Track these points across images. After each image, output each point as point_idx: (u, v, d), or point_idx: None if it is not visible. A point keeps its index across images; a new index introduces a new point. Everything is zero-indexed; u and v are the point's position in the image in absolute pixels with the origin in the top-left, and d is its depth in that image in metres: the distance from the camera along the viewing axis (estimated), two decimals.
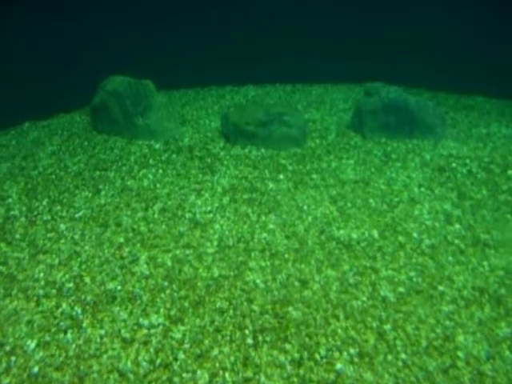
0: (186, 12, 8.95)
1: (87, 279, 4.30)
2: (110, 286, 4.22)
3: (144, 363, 3.47)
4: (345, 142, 7.04)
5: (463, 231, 5.05)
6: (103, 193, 5.66)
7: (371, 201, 5.52)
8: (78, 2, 7.88)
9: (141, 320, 3.85)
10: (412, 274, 4.38)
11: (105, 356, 3.54)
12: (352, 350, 3.57)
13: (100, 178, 6.01)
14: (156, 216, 5.21)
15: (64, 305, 4.00)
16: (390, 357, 3.52)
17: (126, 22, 8.49)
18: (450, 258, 4.61)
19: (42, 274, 4.34)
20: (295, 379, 3.34)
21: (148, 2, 8.68)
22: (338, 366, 3.43)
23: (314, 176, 6.03)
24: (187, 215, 5.21)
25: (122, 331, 3.75)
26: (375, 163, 6.43)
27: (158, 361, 3.49)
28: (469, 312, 3.95)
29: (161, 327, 3.79)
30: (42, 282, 4.25)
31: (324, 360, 3.48)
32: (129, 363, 3.47)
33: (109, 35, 8.28)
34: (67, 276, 4.33)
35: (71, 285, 4.22)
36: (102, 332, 3.75)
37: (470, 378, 3.35)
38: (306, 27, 9.23)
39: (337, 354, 3.53)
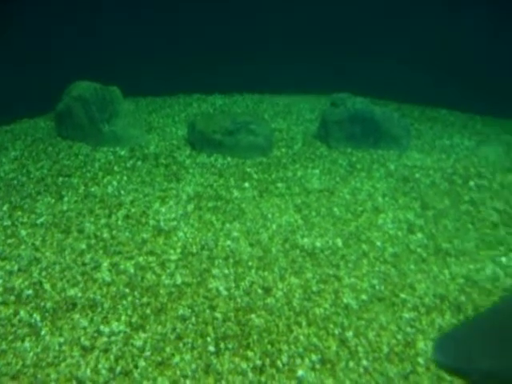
0: (155, 20, 8.92)
1: (47, 286, 4.21)
2: (71, 292, 4.14)
3: (104, 371, 3.41)
4: (311, 152, 7.10)
5: (425, 240, 5.14)
6: (66, 199, 5.57)
7: (336, 210, 5.56)
8: (42, 6, 7.78)
9: (101, 327, 3.79)
10: (375, 281, 4.42)
11: (63, 364, 3.47)
12: (314, 357, 3.57)
13: (63, 184, 5.91)
14: (119, 223, 5.15)
15: (22, 312, 3.91)
16: (351, 363, 3.54)
17: (93, 27, 8.42)
18: (412, 267, 4.68)
19: (0, 281, 4.24)
20: None
21: (115, 9, 8.61)
22: (300, 372, 3.44)
23: (280, 185, 6.05)
24: (151, 222, 5.16)
25: (82, 339, 3.68)
26: (340, 173, 6.50)
27: (118, 368, 3.44)
28: (429, 319, 4.00)
29: (122, 334, 3.73)
30: (0, 289, 4.15)
31: (286, 367, 3.48)
32: (88, 371, 3.41)
33: (76, 40, 8.20)
34: (26, 283, 4.23)
35: (30, 292, 4.13)
36: (61, 340, 3.67)
37: (429, 383, 3.38)
38: (275, 37, 9.29)
39: (299, 361, 3.53)
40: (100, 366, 3.46)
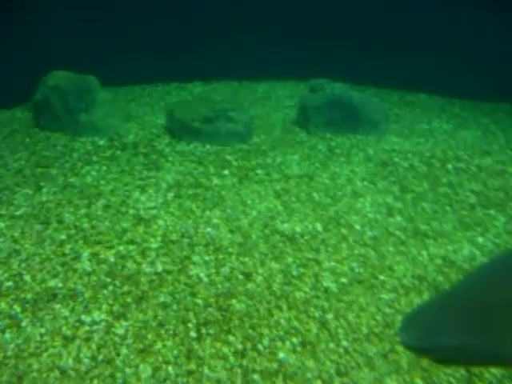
0: (131, 8, 8.82)
1: (27, 277, 4.19)
2: (51, 283, 4.13)
3: (86, 360, 3.42)
4: (290, 138, 7.12)
5: (404, 223, 5.20)
6: (45, 190, 5.53)
7: (315, 195, 5.60)
8: None
9: (83, 317, 3.79)
10: (354, 264, 4.48)
11: (45, 354, 3.47)
12: (295, 340, 3.62)
13: (42, 175, 5.86)
14: (99, 213, 5.14)
15: (3, 304, 3.89)
16: (331, 344, 3.59)
17: (70, 16, 8.30)
18: (391, 249, 4.74)
19: None
20: (238, 370, 3.36)
21: None
22: (281, 355, 3.48)
23: (259, 171, 6.07)
24: (131, 211, 5.16)
25: (63, 329, 3.68)
26: (320, 158, 6.53)
27: (101, 357, 3.45)
28: (408, 299, 4.07)
29: (103, 323, 3.74)
30: None
31: (267, 350, 3.52)
32: (70, 360, 3.41)
33: (52, 29, 8.09)
34: (6, 275, 4.21)
35: (10, 283, 4.11)
36: (43, 330, 3.66)
37: (408, 361, 3.46)
38: (253, 24, 9.25)
39: (280, 344, 3.57)
40: (82, 355, 3.46)
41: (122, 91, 8.89)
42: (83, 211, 5.15)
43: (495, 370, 3.35)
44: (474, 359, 2.09)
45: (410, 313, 2.22)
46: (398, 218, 5.26)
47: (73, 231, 4.82)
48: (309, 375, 3.33)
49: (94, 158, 6.28)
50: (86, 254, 4.50)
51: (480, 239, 4.97)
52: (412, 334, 2.01)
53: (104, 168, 6.05)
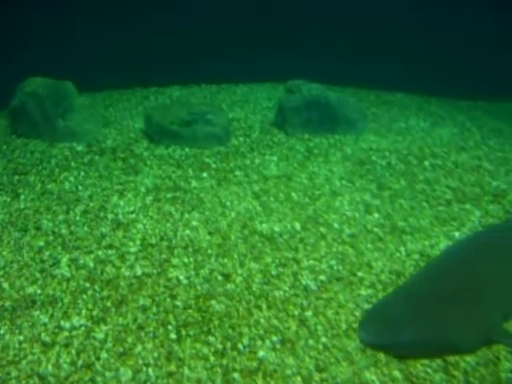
0: (108, 12, 8.80)
1: (5, 285, 4.17)
2: (30, 290, 4.11)
3: (65, 365, 3.41)
4: (268, 139, 7.16)
5: (382, 220, 5.26)
6: (22, 197, 5.50)
7: (293, 195, 5.64)
8: None
9: (62, 323, 3.78)
10: (333, 262, 4.51)
11: (24, 361, 3.45)
12: (274, 338, 3.64)
13: (19, 182, 5.83)
14: (78, 218, 5.12)
15: None
16: (311, 341, 3.62)
17: (47, 21, 8.27)
18: (369, 246, 4.79)
19: None
20: (218, 369, 3.38)
21: (69, 4, 8.48)
22: (261, 353, 3.50)
23: (238, 173, 6.10)
24: (110, 216, 5.15)
25: (42, 335, 3.66)
26: (298, 159, 6.58)
27: (80, 362, 3.44)
28: (386, 295, 4.11)
29: (83, 328, 3.73)
30: None
31: (247, 349, 3.55)
32: (49, 367, 3.40)
33: (28, 36, 8.05)
34: None
35: None
36: (21, 337, 3.65)
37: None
38: (230, 27, 9.29)
39: (259, 343, 3.60)
40: (61, 360, 3.45)
41: (99, 96, 8.86)
42: (61, 217, 5.13)
43: (470, 358, 3.40)
44: (432, 352, 2.16)
45: (368, 310, 2.27)
46: (376, 215, 5.32)
47: (51, 237, 4.80)
48: (288, 372, 3.35)
49: (72, 164, 6.26)
50: (64, 259, 4.49)
51: (456, 234, 5.03)
52: (371, 331, 2.06)
53: (82, 173, 6.03)
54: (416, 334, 2.02)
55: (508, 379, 3.05)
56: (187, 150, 6.68)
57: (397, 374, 3.32)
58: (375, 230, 5.06)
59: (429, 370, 3.35)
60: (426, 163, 6.67)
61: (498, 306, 2.24)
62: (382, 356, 3.46)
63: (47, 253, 4.57)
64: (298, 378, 3.31)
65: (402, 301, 2.21)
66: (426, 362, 3.39)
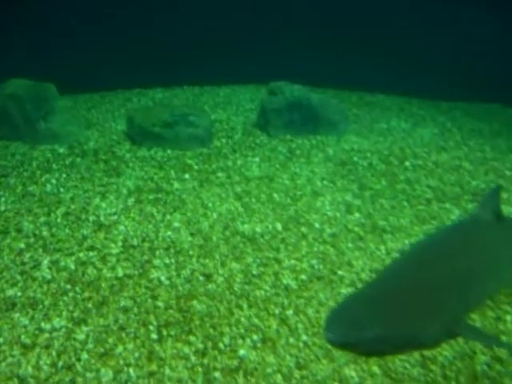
0: (90, 14, 8.77)
1: None
2: (10, 292, 4.09)
3: (45, 367, 3.41)
4: (251, 141, 7.19)
5: (363, 219, 5.31)
6: (3, 199, 5.47)
7: (275, 195, 5.67)
8: None
9: (42, 324, 3.77)
10: (314, 261, 4.55)
11: (3, 364, 3.44)
12: (255, 337, 3.67)
13: (0, 184, 5.79)
14: (59, 220, 5.11)
15: None
16: (291, 339, 3.65)
17: (28, 24, 8.23)
18: (350, 245, 4.84)
19: None
20: (199, 368, 3.40)
21: (50, 4, 8.44)
22: (242, 352, 3.53)
23: (220, 174, 6.12)
24: (91, 218, 5.14)
25: (23, 337, 3.65)
26: (280, 160, 6.62)
27: (61, 363, 3.44)
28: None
29: (63, 330, 3.73)
30: None
31: (228, 348, 3.57)
32: (29, 368, 3.39)
33: (9, 37, 8.00)
34: None
35: None
36: (1, 340, 3.63)
37: None
38: (213, 29, 9.30)
39: (240, 342, 3.62)
40: (42, 362, 3.45)
41: (81, 98, 8.83)
42: (43, 219, 5.11)
43: (447, 353, 3.46)
44: (397, 347, 2.20)
45: (333, 309, 2.29)
46: (357, 215, 5.37)
47: (32, 240, 4.78)
48: (269, 370, 3.38)
49: (54, 166, 6.24)
50: (45, 261, 4.47)
51: None
52: (336, 330, 2.07)
53: (64, 176, 6.01)
54: (381, 330, 2.05)
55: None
56: (169, 151, 6.69)
57: (376, 369, 3.37)
58: (356, 229, 5.11)
59: (407, 365, 3.40)
60: (407, 163, 6.75)
61: (460, 299, 2.30)
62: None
63: (28, 255, 4.55)
64: (279, 376, 3.34)
65: (367, 298, 2.24)
66: (404, 357, 3.45)
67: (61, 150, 6.69)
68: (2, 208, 5.31)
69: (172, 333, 3.69)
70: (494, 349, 3.53)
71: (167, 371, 3.37)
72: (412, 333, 2.12)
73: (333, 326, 2.11)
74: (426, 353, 3.45)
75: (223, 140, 7.18)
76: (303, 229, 5.05)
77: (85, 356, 3.50)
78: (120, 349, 3.55)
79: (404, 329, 2.10)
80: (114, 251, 4.62)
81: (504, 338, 3.64)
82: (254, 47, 9.36)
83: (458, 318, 2.26)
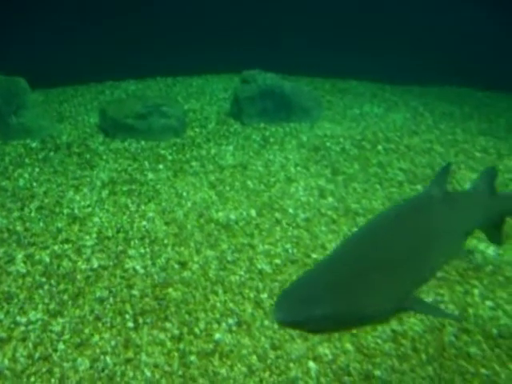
0: (62, 6, 8.68)
1: None
2: None
3: (22, 359, 3.42)
4: (224, 130, 7.21)
5: (336, 203, 5.38)
6: None
7: (249, 183, 5.71)
8: None
9: (18, 318, 3.77)
10: (288, 246, 4.61)
11: None
12: (230, 321, 3.72)
13: None
14: (33, 214, 5.09)
15: None
16: (266, 322, 3.71)
17: None
18: (324, 228, 4.90)
19: None
20: (175, 353, 3.44)
21: None
22: (217, 336, 3.58)
23: (194, 163, 6.14)
24: (65, 211, 5.13)
25: None
26: (254, 147, 6.65)
27: (37, 354, 3.45)
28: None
29: (39, 322, 3.73)
30: None
31: (203, 333, 3.61)
32: (6, 361, 3.40)
33: None
34: None
35: None
36: None
37: None
38: (185, 19, 9.28)
39: (216, 326, 3.67)
40: (18, 354, 3.45)
41: (53, 92, 8.76)
42: (16, 214, 5.09)
43: (417, 327, 3.55)
44: (347, 324, 2.26)
45: (283, 290, 2.32)
46: (330, 199, 5.44)
47: (6, 235, 4.76)
48: (244, 352, 3.44)
49: (27, 161, 6.20)
50: (20, 256, 4.46)
51: None
52: (284, 309, 2.11)
53: (37, 170, 5.98)
54: (330, 308, 2.09)
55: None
56: (143, 142, 6.68)
57: (349, 346, 3.45)
58: (329, 213, 5.17)
59: (379, 341, 3.48)
60: (380, 147, 6.83)
61: (408, 274, 2.36)
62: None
63: (2, 250, 4.53)
64: (254, 357, 3.39)
65: (316, 277, 2.28)
66: (376, 333, 3.53)
67: (33, 145, 6.64)
68: None
69: (148, 320, 3.73)
70: (461, 320, 3.64)
71: (144, 357, 3.41)
72: (360, 309, 2.17)
73: (281, 305, 2.14)
74: (397, 328, 3.54)
75: (197, 130, 7.20)
76: (277, 214, 5.11)
77: (61, 347, 3.51)
78: (96, 338, 3.58)
79: (352, 306, 2.14)
80: (89, 243, 4.63)
81: (471, 311, 3.75)
82: (226, 36, 9.35)
83: (406, 292, 2.31)
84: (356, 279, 2.21)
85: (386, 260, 2.34)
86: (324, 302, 2.12)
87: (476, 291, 3.97)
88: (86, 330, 3.65)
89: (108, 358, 3.40)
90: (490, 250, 4.50)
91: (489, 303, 3.86)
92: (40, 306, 3.89)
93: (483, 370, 3.26)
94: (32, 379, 3.26)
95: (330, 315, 2.10)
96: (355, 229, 4.90)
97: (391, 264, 2.32)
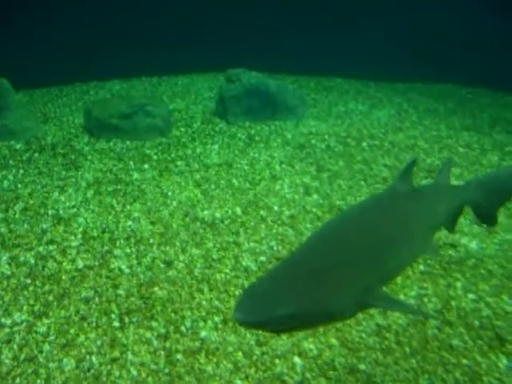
0: (45, 6, 8.63)
1: None
2: None
3: (7, 361, 3.41)
4: (210, 129, 7.22)
5: (320, 200, 5.41)
6: None
7: (234, 181, 5.73)
8: None
9: (2, 320, 3.76)
10: (273, 243, 4.63)
11: None
12: (216, 318, 3.73)
13: None
14: (17, 216, 5.07)
15: None
16: None
17: None
18: (308, 225, 4.93)
19: None
20: (162, 352, 3.45)
21: None
22: (203, 334, 3.59)
23: (179, 163, 6.14)
24: (50, 212, 5.12)
25: None
26: (239, 146, 6.67)
27: (23, 356, 3.44)
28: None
29: (24, 324, 3.73)
30: None
31: (189, 331, 3.62)
32: None
33: None
34: None
35: None
36: None
37: None
38: (169, 19, 9.26)
39: (202, 324, 3.68)
40: (3, 356, 3.44)
41: (38, 93, 8.73)
42: (0, 216, 5.07)
43: (401, 321, 3.59)
44: (311, 323, 2.23)
45: (244, 290, 2.28)
46: (315, 196, 5.46)
47: None
48: (230, 349, 3.45)
49: (11, 162, 6.17)
50: (4, 257, 4.44)
51: None
52: (246, 310, 2.06)
53: (21, 171, 5.96)
54: (291, 307, 2.06)
55: None
56: (128, 142, 6.68)
57: (334, 341, 3.48)
58: (314, 210, 5.20)
59: (363, 335, 3.52)
60: (364, 144, 6.87)
61: (372, 270, 2.34)
62: (320, 327, 3.62)
63: None
64: (240, 354, 3.41)
65: (278, 276, 2.24)
66: (360, 327, 3.57)
67: (18, 146, 6.61)
68: None
69: (134, 319, 3.73)
70: (444, 313, 3.68)
71: (130, 356, 3.41)
72: (325, 308, 2.14)
73: (242, 306, 2.07)
74: (382, 322, 3.58)
75: (182, 129, 7.20)
76: (262, 212, 5.13)
77: (47, 347, 3.51)
78: (82, 338, 3.58)
79: (315, 303, 2.11)
80: (74, 243, 4.62)
81: (453, 303, 3.80)
82: (211, 35, 9.35)
83: (370, 289, 2.28)
84: (318, 276, 2.18)
85: (348, 256, 2.31)
86: (286, 300, 2.08)
87: (459, 284, 4.02)
88: (72, 331, 3.65)
89: (94, 358, 3.41)
90: (473, 244, 4.56)
91: (471, 296, 3.91)
92: (25, 308, 3.88)
93: (465, 361, 3.31)
94: (17, 381, 3.26)
95: (292, 314, 2.06)
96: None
97: (354, 260, 2.30)
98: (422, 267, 4.22)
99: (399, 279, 4.07)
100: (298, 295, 2.11)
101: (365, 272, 2.30)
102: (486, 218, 3.31)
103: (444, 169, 3.22)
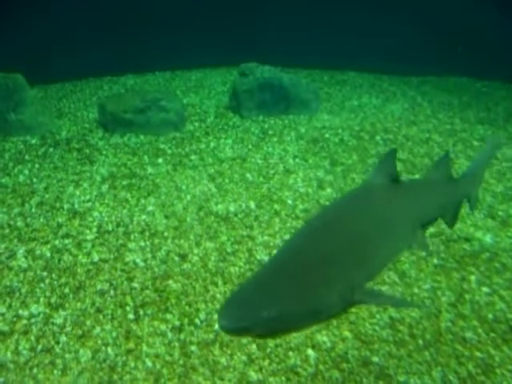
0: (58, 2, 8.69)
1: None
2: None
3: (24, 351, 3.46)
4: (223, 123, 7.24)
5: (334, 194, 5.41)
6: None
7: (248, 175, 5.75)
8: None
9: (20, 312, 3.82)
10: (286, 237, 4.64)
11: None
12: None
13: None
14: (33, 210, 5.13)
15: None
16: None
17: None
18: None
19: None
20: (176, 344, 3.48)
21: None
22: (217, 326, 3.61)
23: (193, 157, 6.17)
24: (66, 206, 5.17)
25: (0, 325, 3.70)
26: (253, 140, 6.68)
27: (40, 347, 3.50)
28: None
29: (41, 315, 3.78)
30: None
31: (204, 323, 3.66)
32: (8, 354, 3.45)
33: None
34: None
35: None
36: None
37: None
38: (183, 13, 9.28)
39: (216, 317, 3.70)
40: (21, 347, 3.50)
41: (52, 89, 8.80)
42: (17, 210, 5.13)
43: (415, 314, 3.60)
44: (297, 324, 2.17)
45: (227, 297, 2.24)
46: (329, 190, 5.47)
47: (7, 230, 4.80)
48: (244, 341, 3.48)
49: (27, 157, 6.24)
50: (21, 251, 4.50)
51: None
52: (228, 315, 2.00)
53: (37, 166, 6.02)
54: (277, 309, 2.00)
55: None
56: (142, 137, 6.72)
57: (347, 334, 3.49)
58: (328, 203, 5.20)
59: (376, 328, 3.53)
60: (378, 138, 6.85)
61: (356, 266, 2.29)
62: (333, 319, 3.63)
63: (3, 245, 4.58)
64: (254, 346, 3.44)
65: (261, 279, 2.19)
66: (374, 320, 3.57)
67: (33, 141, 6.68)
68: None
69: (149, 312, 3.77)
70: (458, 307, 3.68)
71: (145, 348, 3.45)
72: (311, 308, 2.09)
73: (225, 312, 2.01)
74: (395, 315, 3.59)
75: (196, 124, 7.22)
76: (276, 206, 5.14)
77: (63, 339, 3.56)
78: (98, 330, 3.62)
79: (302, 305, 2.06)
80: (89, 237, 4.67)
81: (467, 297, 3.79)
82: (224, 30, 9.34)
83: (355, 286, 2.23)
84: (301, 275, 2.14)
85: (331, 254, 2.26)
86: (271, 302, 2.03)
87: (473, 278, 4.01)
88: (88, 322, 3.70)
89: (109, 349, 3.45)
90: (487, 238, 4.54)
91: (485, 289, 3.90)
92: (42, 300, 3.93)
93: (478, 354, 3.31)
94: (35, 371, 3.31)
95: (276, 317, 2.01)
96: None
97: (336, 258, 2.26)
98: (435, 261, 4.22)
99: (413, 273, 4.07)
100: (282, 296, 2.06)
101: (348, 269, 2.26)
102: (474, 202, 3.35)
103: (440, 163, 3.14)
